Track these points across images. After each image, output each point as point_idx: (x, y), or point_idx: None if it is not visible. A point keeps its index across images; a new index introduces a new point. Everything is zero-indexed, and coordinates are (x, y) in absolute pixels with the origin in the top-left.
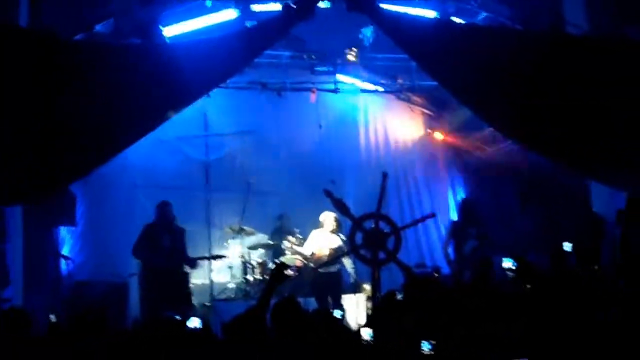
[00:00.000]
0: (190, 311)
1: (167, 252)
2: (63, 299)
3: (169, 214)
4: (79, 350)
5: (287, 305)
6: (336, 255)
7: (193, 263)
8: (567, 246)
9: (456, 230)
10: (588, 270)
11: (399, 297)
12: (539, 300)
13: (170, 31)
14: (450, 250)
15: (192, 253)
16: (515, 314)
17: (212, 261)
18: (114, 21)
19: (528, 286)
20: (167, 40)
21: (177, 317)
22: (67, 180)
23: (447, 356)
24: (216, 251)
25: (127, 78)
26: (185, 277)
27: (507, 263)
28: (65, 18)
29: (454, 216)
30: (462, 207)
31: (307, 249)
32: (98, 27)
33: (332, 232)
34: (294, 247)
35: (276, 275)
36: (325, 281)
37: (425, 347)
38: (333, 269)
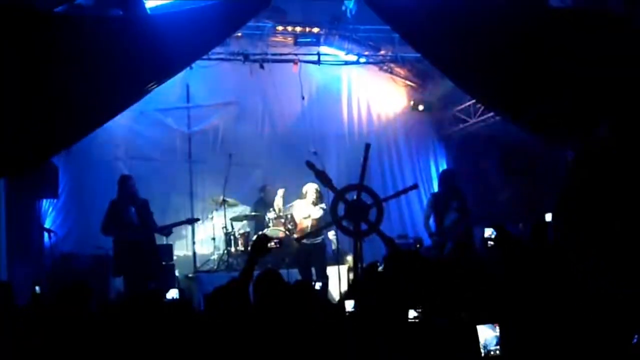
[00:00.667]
0: (169, 282)
1: (134, 225)
2: (47, 271)
3: (131, 187)
4: (62, 321)
5: (269, 277)
6: (320, 227)
7: (166, 231)
8: (549, 217)
9: (437, 202)
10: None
11: (380, 268)
12: (515, 269)
13: (151, 2)
14: (431, 222)
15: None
16: (492, 282)
17: (192, 230)
18: None
19: (505, 255)
20: (149, 12)
21: (155, 289)
22: (49, 152)
23: (430, 322)
24: (199, 222)
25: (109, 50)
26: (156, 248)
27: (488, 232)
28: None
29: (435, 188)
30: (443, 179)
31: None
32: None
33: (314, 203)
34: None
35: (257, 247)
36: (309, 252)
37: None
38: (317, 239)
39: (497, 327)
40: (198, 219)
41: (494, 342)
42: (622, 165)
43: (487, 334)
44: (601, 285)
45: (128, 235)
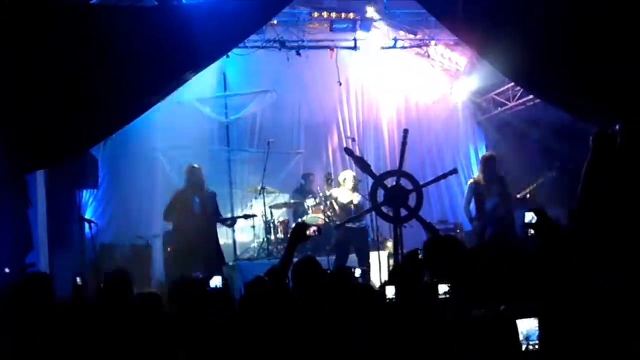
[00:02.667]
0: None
1: (197, 215)
2: (88, 261)
3: (198, 177)
4: (103, 312)
5: (307, 264)
6: (362, 212)
7: (229, 222)
8: None
9: (477, 187)
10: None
11: (421, 255)
12: (556, 258)
13: None
14: (471, 207)
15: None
16: (532, 272)
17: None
18: None
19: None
20: (184, 1)
21: (201, 277)
22: (87, 144)
23: (462, 298)
24: (238, 210)
25: (145, 40)
26: (216, 239)
27: (528, 216)
28: None
29: (475, 173)
30: (483, 163)
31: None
32: None
33: (352, 189)
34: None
35: (296, 235)
36: (352, 236)
37: (441, 289)
38: (362, 223)
39: (537, 321)
40: (255, 215)
41: (534, 335)
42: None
43: (527, 327)
44: (598, 283)
45: (187, 225)
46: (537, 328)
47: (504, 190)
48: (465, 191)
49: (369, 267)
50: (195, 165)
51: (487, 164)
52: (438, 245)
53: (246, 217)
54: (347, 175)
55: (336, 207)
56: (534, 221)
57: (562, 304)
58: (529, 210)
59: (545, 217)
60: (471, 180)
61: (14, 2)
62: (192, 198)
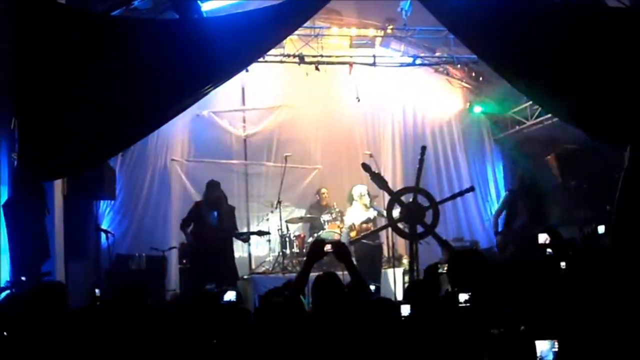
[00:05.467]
0: (233, 286)
1: (213, 229)
2: (103, 272)
3: (217, 192)
4: (117, 323)
5: (327, 279)
6: (378, 228)
7: (244, 237)
8: (601, 229)
9: (511, 201)
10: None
11: (441, 270)
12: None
13: (207, 6)
14: (500, 220)
15: None
16: (552, 293)
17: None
18: None
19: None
20: (205, 15)
21: (215, 290)
22: (106, 154)
23: (480, 313)
24: (254, 224)
25: (165, 53)
26: (231, 254)
27: (542, 237)
28: None
29: (492, 191)
30: (520, 178)
31: (347, 221)
32: (136, 3)
33: (366, 206)
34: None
35: (314, 252)
36: (366, 253)
37: (462, 298)
38: (377, 240)
39: (556, 343)
40: (269, 233)
41: (550, 356)
42: None
43: (543, 348)
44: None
45: (203, 237)
46: (553, 349)
47: (537, 208)
48: (499, 202)
49: (379, 284)
50: (214, 180)
51: (524, 179)
52: (462, 258)
53: (260, 233)
54: (362, 191)
55: (355, 225)
56: (547, 242)
57: (584, 327)
58: (543, 232)
59: (558, 237)
60: (507, 192)
61: (37, 13)
62: (210, 211)
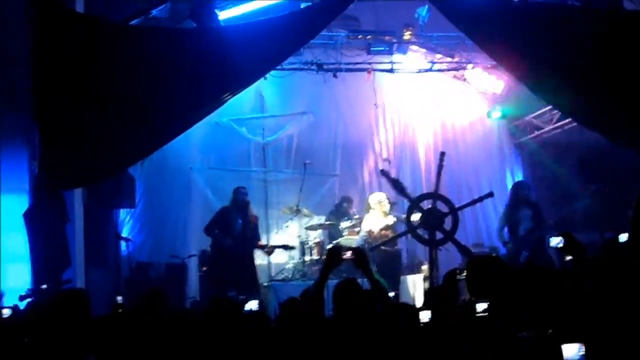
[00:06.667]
0: (253, 294)
1: (238, 235)
2: (124, 279)
3: (243, 198)
4: (140, 330)
5: (348, 286)
6: (397, 234)
7: (267, 249)
8: (623, 237)
9: (509, 215)
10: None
11: (460, 276)
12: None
13: (225, 14)
14: (504, 233)
15: None
16: (573, 295)
17: (266, 239)
18: (170, 5)
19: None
20: (222, 24)
21: (238, 298)
22: (126, 162)
23: (501, 317)
24: (274, 231)
25: (184, 61)
26: (252, 262)
27: (555, 241)
28: (121, 3)
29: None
30: (513, 191)
31: (364, 227)
32: (154, 12)
33: (385, 213)
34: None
35: (331, 259)
36: (385, 260)
37: (480, 307)
38: (396, 247)
39: (583, 347)
40: (294, 247)
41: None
42: None
43: (571, 352)
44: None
45: (227, 243)
46: (579, 353)
47: (536, 214)
48: (499, 218)
49: (397, 290)
50: (241, 186)
51: (517, 191)
52: (481, 264)
53: (285, 248)
54: (381, 198)
55: (374, 233)
56: (560, 245)
57: (610, 331)
58: (557, 235)
59: (573, 240)
60: (504, 208)
61: (57, 22)
62: (235, 218)
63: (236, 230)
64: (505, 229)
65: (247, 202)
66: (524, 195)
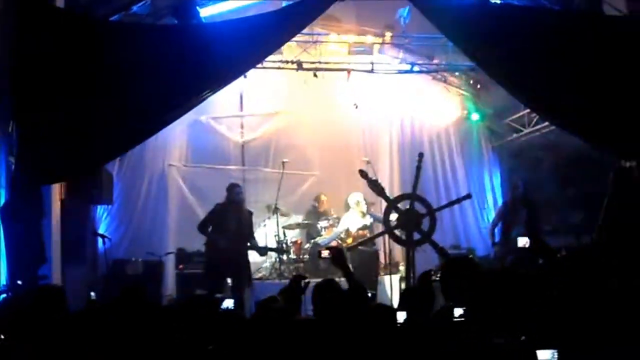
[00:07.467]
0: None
1: (231, 232)
2: (100, 276)
3: (238, 196)
4: (114, 326)
5: (327, 286)
6: (375, 235)
7: (262, 251)
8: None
9: (506, 212)
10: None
11: (435, 277)
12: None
13: (206, 11)
14: (497, 231)
15: None
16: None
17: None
18: (150, 2)
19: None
20: (204, 21)
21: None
22: (103, 159)
23: (477, 322)
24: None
25: (164, 58)
26: (247, 259)
27: (521, 241)
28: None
29: (489, 199)
30: (513, 189)
31: (341, 227)
32: (135, 8)
33: (363, 213)
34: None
35: (295, 288)
36: (363, 260)
37: (457, 312)
38: (374, 247)
39: (556, 352)
40: (288, 252)
41: None
42: None
43: (546, 357)
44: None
45: (221, 240)
46: (553, 358)
47: (532, 218)
48: (495, 214)
49: (375, 290)
50: (235, 183)
51: (517, 189)
52: (454, 266)
53: (279, 251)
54: (359, 198)
55: (352, 232)
56: (527, 245)
57: (582, 336)
58: (522, 235)
59: (540, 241)
60: (502, 204)
61: (36, 17)
62: (230, 214)
63: (231, 228)
64: (498, 228)
65: (243, 200)
66: (519, 195)
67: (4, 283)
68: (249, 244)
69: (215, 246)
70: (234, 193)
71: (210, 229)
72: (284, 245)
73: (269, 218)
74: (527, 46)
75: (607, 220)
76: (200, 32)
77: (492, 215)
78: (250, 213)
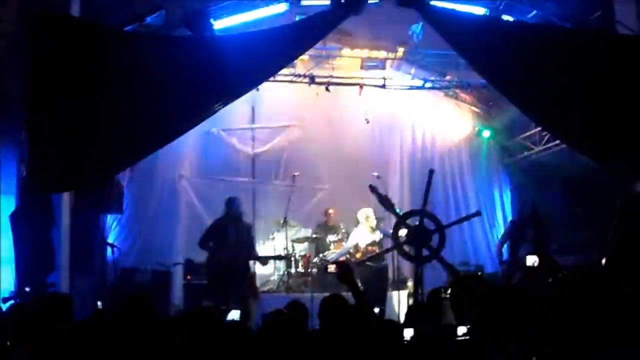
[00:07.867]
0: (250, 303)
1: (232, 245)
2: (109, 285)
3: (236, 208)
4: (122, 336)
5: (334, 301)
6: (383, 250)
7: (263, 260)
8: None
9: (514, 230)
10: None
11: (445, 294)
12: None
13: (220, 24)
14: (504, 249)
15: None
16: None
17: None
18: (164, 13)
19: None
20: (217, 33)
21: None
22: (115, 169)
23: (482, 340)
24: (260, 242)
25: (177, 70)
26: (248, 271)
27: (530, 260)
28: (116, 9)
29: (499, 216)
30: (522, 207)
31: (350, 243)
32: (149, 19)
33: (372, 228)
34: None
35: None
36: (371, 275)
37: (460, 331)
38: (383, 262)
39: None
40: (290, 257)
41: None
42: None
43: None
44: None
45: (222, 254)
46: None
47: (540, 237)
48: (503, 232)
49: (384, 306)
50: (234, 197)
51: (526, 208)
52: (465, 284)
53: (280, 258)
54: (369, 214)
55: (361, 248)
56: (536, 264)
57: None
58: (530, 254)
59: (548, 259)
60: (510, 223)
61: (51, 26)
62: (229, 228)
63: (231, 241)
64: (506, 246)
65: (241, 213)
66: (527, 214)
67: (12, 289)
68: (249, 256)
69: (217, 260)
70: (233, 206)
71: (211, 244)
72: (292, 259)
73: (278, 231)
74: (537, 64)
75: (614, 250)
76: (213, 44)
77: (501, 232)
78: (249, 226)
